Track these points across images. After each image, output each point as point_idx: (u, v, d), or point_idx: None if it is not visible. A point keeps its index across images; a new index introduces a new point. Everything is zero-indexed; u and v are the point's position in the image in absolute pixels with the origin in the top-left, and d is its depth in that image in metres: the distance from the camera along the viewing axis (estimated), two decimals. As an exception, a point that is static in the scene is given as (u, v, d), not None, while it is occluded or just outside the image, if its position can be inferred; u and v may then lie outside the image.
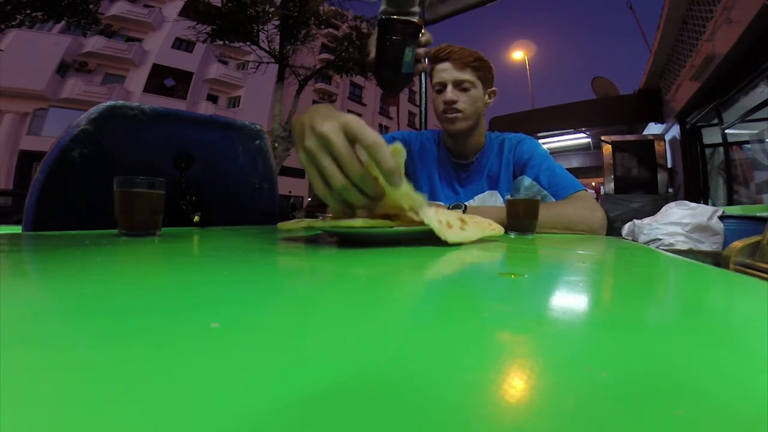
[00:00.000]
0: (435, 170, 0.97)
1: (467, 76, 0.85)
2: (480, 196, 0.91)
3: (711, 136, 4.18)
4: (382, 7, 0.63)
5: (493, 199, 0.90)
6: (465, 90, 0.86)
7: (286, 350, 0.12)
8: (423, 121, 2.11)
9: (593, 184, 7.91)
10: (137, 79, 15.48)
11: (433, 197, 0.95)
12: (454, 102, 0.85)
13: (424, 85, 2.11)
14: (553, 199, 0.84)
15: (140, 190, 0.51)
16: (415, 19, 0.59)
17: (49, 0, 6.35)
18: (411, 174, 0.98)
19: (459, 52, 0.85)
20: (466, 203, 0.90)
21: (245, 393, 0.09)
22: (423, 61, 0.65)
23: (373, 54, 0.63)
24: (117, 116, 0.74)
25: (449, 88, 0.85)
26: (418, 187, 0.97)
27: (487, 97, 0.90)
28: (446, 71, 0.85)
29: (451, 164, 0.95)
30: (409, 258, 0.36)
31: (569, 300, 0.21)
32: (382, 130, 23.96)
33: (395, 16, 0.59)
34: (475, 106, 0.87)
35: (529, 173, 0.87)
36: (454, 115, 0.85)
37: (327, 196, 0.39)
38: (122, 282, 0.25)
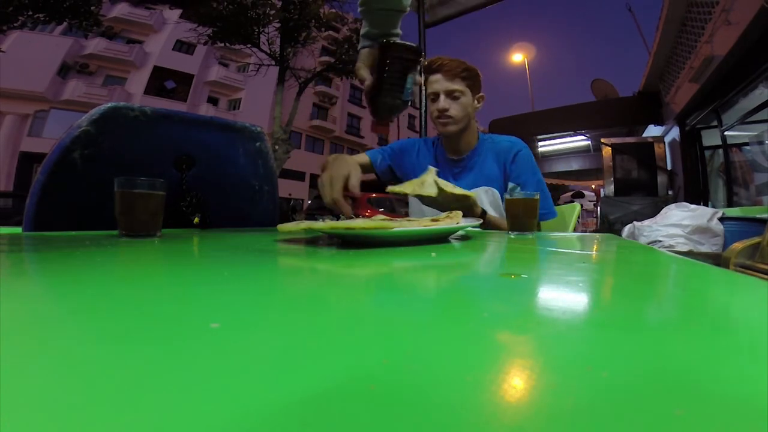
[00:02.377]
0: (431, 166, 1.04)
1: (457, 86, 0.94)
2: (474, 190, 0.97)
3: (710, 138, 4.19)
4: (365, 29, 0.61)
5: (489, 196, 0.97)
6: (456, 98, 0.95)
7: (286, 351, 0.12)
8: (423, 123, 2.11)
9: (593, 186, 7.90)
10: (138, 81, 15.52)
11: None
12: (446, 110, 0.94)
13: (424, 89, 2.12)
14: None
15: (141, 191, 0.51)
16: (413, 44, 0.58)
17: (51, 2, 6.38)
18: (410, 171, 1.07)
19: (449, 64, 0.94)
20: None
21: (245, 393, 0.09)
22: (420, 86, 0.66)
23: (368, 80, 0.60)
24: (118, 117, 0.74)
25: (441, 97, 0.95)
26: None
27: (476, 102, 0.99)
28: (438, 82, 0.95)
29: (446, 160, 1.05)
30: (409, 259, 0.36)
31: (569, 300, 0.21)
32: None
33: (395, 41, 0.57)
34: (465, 112, 0.96)
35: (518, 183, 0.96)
36: (446, 120, 0.95)
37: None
38: (122, 282, 0.25)
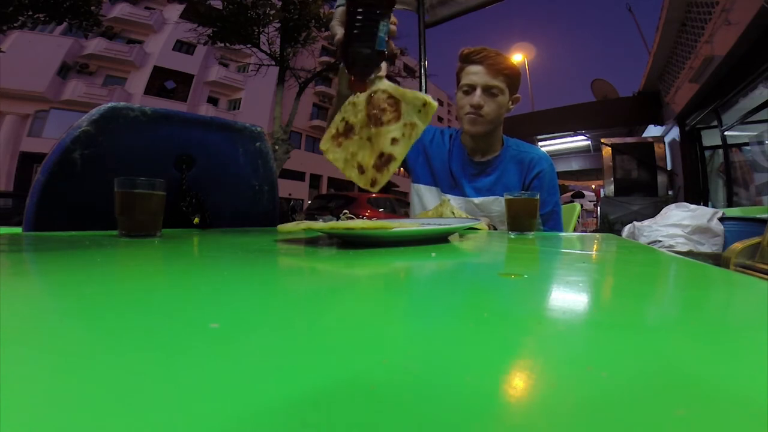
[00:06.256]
0: (445, 161, 0.99)
1: (498, 83, 0.86)
2: (486, 198, 0.94)
3: (710, 138, 4.19)
4: None
5: (498, 205, 0.93)
6: (493, 96, 0.87)
7: (285, 351, 0.12)
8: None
9: (593, 186, 7.91)
10: (138, 82, 15.52)
11: (434, 182, 0.98)
12: (481, 107, 0.87)
13: (423, 85, 2.11)
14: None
15: (141, 191, 0.51)
16: None
17: (51, 2, 6.38)
18: (413, 157, 1.01)
19: (495, 57, 0.86)
20: (473, 200, 0.94)
21: (245, 393, 0.09)
22: (392, 42, 0.61)
23: (339, 33, 0.56)
24: (118, 117, 0.74)
25: (478, 91, 0.87)
26: (426, 168, 0.99)
27: (510, 103, 0.92)
28: (477, 74, 0.87)
29: (464, 159, 0.98)
30: (409, 259, 0.36)
31: (569, 300, 0.21)
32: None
33: None
34: (499, 112, 0.89)
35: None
36: (477, 118, 0.88)
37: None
38: (122, 282, 0.25)
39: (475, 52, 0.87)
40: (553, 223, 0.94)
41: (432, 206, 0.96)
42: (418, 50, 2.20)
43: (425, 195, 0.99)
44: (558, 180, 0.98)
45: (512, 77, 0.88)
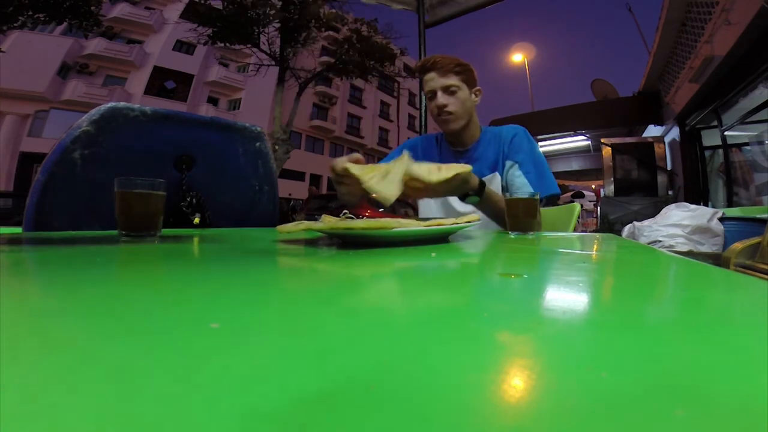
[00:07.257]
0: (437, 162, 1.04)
1: (451, 81, 0.95)
2: (485, 178, 0.97)
3: (710, 138, 4.19)
4: None
5: (496, 181, 0.98)
6: (452, 93, 0.96)
7: (285, 351, 0.12)
8: (423, 123, 2.11)
9: (593, 186, 7.90)
10: (138, 82, 15.51)
11: None
12: (445, 106, 0.95)
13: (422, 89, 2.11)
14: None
15: (141, 191, 0.51)
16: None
17: (51, 2, 6.38)
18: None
19: (441, 60, 0.95)
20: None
21: (245, 393, 0.09)
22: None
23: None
24: (118, 117, 0.74)
25: (439, 94, 0.95)
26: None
27: (473, 95, 0.99)
28: (433, 80, 0.96)
29: (451, 153, 1.06)
30: (408, 259, 0.36)
31: (569, 300, 0.21)
32: (382, 133, 24.05)
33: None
34: (465, 106, 0.97)
35: (521, 168, 0.97)
36: (447, 117, 0.96)
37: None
38: (122, 282, 0.25)
39: (426, 62, 0.97)
40: (539, 180, 0.94)
41: (439, 214, 1.02)
42: (418, 50, 2.20)
43: (431, 203, 1.05)
44: (558, 180, 0.99)
45: (463, 72, 0.95)
